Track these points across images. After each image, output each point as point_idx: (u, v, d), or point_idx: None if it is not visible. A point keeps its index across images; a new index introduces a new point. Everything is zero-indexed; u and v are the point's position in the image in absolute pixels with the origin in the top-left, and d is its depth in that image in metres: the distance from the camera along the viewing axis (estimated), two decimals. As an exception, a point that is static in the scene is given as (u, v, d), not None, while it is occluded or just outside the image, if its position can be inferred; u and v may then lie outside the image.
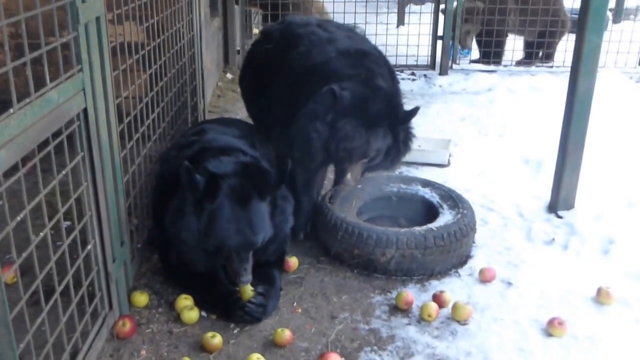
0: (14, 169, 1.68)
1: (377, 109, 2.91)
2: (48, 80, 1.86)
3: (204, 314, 2.65)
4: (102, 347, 2.41)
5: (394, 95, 3.10)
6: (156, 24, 3.20)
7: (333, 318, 2.67)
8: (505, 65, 7.00)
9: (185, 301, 2.66)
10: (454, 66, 6.89)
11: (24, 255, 1.77)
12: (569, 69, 3.41)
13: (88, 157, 2.21)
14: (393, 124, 2.98)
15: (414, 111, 3.04)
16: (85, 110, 2.14)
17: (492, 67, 6.88)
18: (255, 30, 7.32)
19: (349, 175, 2.95)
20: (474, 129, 5.02)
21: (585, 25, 3.20)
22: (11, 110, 1.63)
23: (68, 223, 2.27)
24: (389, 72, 3.27)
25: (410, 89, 6.30)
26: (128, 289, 2.69)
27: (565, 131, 3.43)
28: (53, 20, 1.93)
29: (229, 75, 6.43)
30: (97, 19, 2.20)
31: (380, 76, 3.09)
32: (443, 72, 6.72)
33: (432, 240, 2.88)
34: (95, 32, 2.18)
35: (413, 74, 6.80)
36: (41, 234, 1.89)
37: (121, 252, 2.56)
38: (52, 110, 1.87)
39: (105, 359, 2.37)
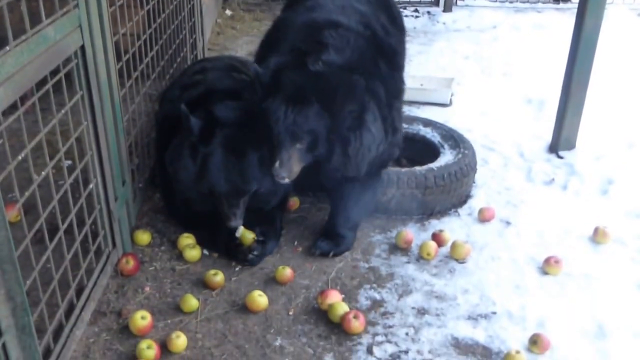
0: (13, 108, 1.66)
1: (294, 81, 2.41)
2: (44, 16, 1.81)
3: (205, 252, 2.69)
4: (107, 284, 2.47)
5: (313, 53, 2.47)
6: (152, -44, 3.09)
7: (333, 256, 2.71)
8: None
9: (187, 240, 2.70)
10: (459, 2, 6.70)
11: (27, 194, 1.78)
12: (576, 6, 3.31)
13: (87, 96, 2.18)
14: (323, 100, 2.40)
15: (325, 75, 2.37)
16: (82, 48, 2.10)
17: (497, 4, 6.69)
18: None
19: (277, 164, 2.44)
20: (477, 67, 4.94)
21: (596, -41, 3.08)
22: (7, 48, 1.59)
23: (69, 162, 2.28)
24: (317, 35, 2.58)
25: (413, 26, 6.14)
26: (131, 227, 2.72)
27: (569, 70, 3.37)
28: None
29: (227, 12, 6.25)
30: (91, -50, 2.12)
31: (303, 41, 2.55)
32: (447, 8, 6.54)
33: (433, 179, 2.89)
34: (89, -36, 2.11)
35: (416, 10, 6.61)
36: (43, 173, 1.89)
37: (123, 191, 2.57)
38: (49, 47, 1.83)
39: (111, 295, 2.43)
